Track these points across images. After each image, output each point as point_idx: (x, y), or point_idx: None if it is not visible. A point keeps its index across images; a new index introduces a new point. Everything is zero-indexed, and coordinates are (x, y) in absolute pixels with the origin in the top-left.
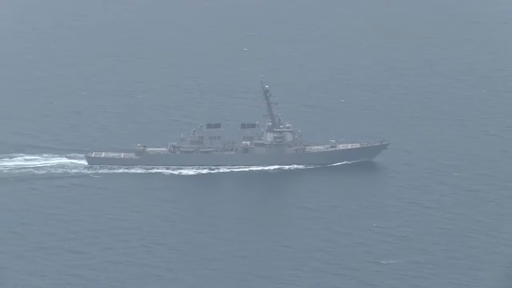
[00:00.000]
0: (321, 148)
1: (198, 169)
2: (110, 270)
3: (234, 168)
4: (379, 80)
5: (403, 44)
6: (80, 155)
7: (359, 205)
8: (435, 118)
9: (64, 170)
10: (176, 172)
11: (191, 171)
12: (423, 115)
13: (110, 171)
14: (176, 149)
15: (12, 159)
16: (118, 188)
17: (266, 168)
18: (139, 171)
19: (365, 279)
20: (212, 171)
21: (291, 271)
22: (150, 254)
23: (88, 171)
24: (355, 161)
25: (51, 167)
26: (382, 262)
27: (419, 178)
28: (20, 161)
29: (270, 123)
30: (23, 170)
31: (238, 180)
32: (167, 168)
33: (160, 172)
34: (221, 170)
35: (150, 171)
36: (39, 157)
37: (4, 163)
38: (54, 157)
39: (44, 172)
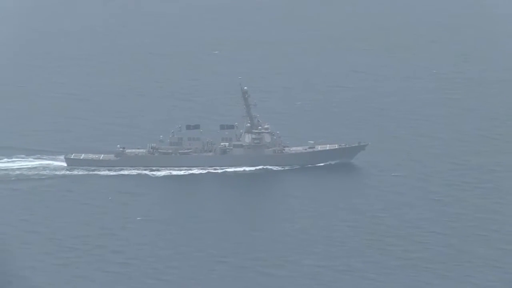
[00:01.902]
0: (299, 149)
1: (176, 170)
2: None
3: (213, 169)
4: (358, 82)
5: (378, 47)
6: (60, 156)
7: (335, 205)
8: (412, 119)
9: (43, 171)
10: (154, 173)
11: (168, 172)
12: (400, 116)
13: (89, 173)
14: (155, 150)
15: None
16: (96, 190)
17: (244, 169)
18: (119, 172)
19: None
20: (190, 172)
21: (268, 269)
22: (125, 255)
23: (67, 173)
24: (333, 162)
25: (30, 168)
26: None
27: (397, 179)
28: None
29: (248, 125)
30: (1, 172)
31: (216, 181)
32: (146, 170)
33: (139, 174)
34: (199, 172)
35: (129, 172)
36: (17, 159)
37: None
38: (33, 158)
39: (22, 173)
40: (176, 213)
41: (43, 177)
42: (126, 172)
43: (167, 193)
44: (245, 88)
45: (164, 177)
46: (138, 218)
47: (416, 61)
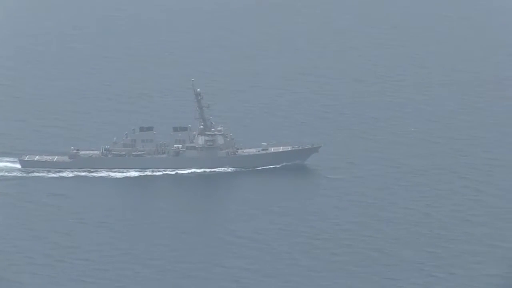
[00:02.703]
0: (253, 151)
1: (130, 172)
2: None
3: (166, 171)
4: (312, 84)
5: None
6: (13, 158)
7: (288, 207)
8: (365, 122)
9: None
10: (107, 175)
11: (122, 174)
12: (352, 118)
13: (43, 175)
14: (108, 152)
15: None
16: (49, 192)
17: (197, 171)
18: (71, 174)
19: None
20: (143, 174)
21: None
22: (52, 258)
23: (21, 174)
24: (286, 163)
25: None
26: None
27: (350, 180)
28: None
29: (202, 127)
30: None
31: (169, 183)
32: (99, 171)
33: (92, 176)
34: (152, 173)
35: (81, 174)
36: None
37: None
38: None
39: None
40: (115, 215)
41: None
42: (78, 174)
43: (111, 196)
44: (198, 90)
45: (115, 179)
46: (71, 220)
47: (364, 64)
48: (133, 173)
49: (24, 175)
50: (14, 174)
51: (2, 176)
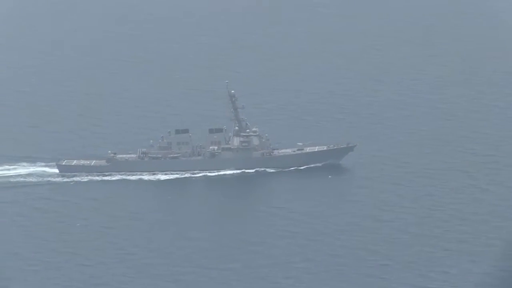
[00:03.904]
0: (288, 151)
1: (166, 174)
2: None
3: (202, 173)
4: (346, 84)
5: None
6: (51, 163)
7: (324, 206)
8: (401, 121)
9: (35, 178)
10: (145, 178)
11: (160, 177)
12: (390, 118)
13: (81, 179)
14: (145, 155)
15: None
16: (89, 196)
17: (233, 172)
18: (110, 178)
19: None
20: (180, 176)
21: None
22: (124, 263)
23: (59, 179)
24: (321, 163)
25: (22, 175)
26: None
27: (385, 180)
28: None
29: (237, 128)
30: None
31: (205, 185)
32: (136, 174)
33: (129, 179)
34: (189, 175)
35: (120, 177)
36: (10, 166)
37: None
38: (24, 165)
39: (15, 180)
40: (151, 217)
41: (34, 184)
42: (116, 178)
43: (147, 198)
44: (232, 91)
45: (151, 181)
46: (78, 225)
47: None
48: (170, 176)
49: (62, 179)
50: (52, 179)
51: (40, 181)
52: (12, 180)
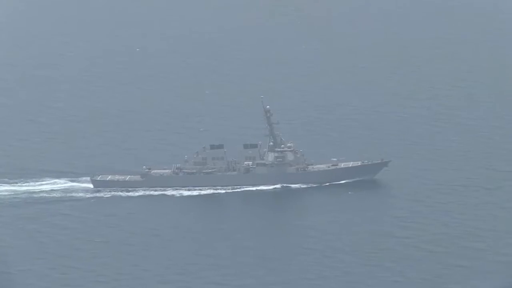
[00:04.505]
0: (322, 166)
1: (202, 190)
2: None
3: (237, 188)
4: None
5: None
6: (86, 178)
7: (360, 223)
8: (435, 136)
9: (70, 194)
10: (179, 194)
11: (194, 192)
12: (422, 133)
13: (116, 194)
14: (180, 170)
15: (17, 183)
16: (125, 212)
17: (268, 187)
18: (144, 193)
19: None
20: (215, 192)
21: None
22: (165, 277)
23: (94, 194)
24: (356, 179)
25: (57, 191)
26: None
27: (420, 195)
28: (25, 185)
29: (271, 143)
30: (30, 195)
31: (240, 201)
32: (170, 190)
33: (164, 194)
34: (223, 191)
35: (153, 193)
36: (45, 181)
37: (10, 187)
38: (60, 181)
39: (50, 195)
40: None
41: (73, 199)
42: (150, 193)
43: (182, 214)
44: (268, 107)
45: (186, 197)
46: (97, 240)
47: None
48: (205, 191)
49: (97, 195)
50: (87, 194)
51: (75, 196)
52: (45, 195)
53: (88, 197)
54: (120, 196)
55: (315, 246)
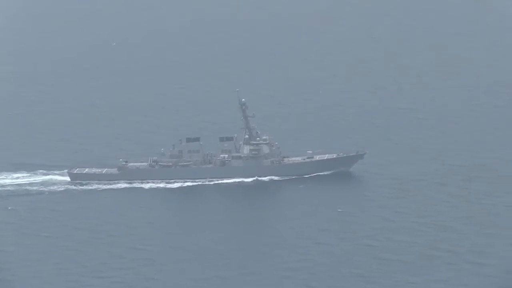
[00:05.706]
0: (298, 159)
1: (177, 182)
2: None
3: (212, 181)
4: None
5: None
6: (63, 171)
7: (334, 215)
8: (410, 127)
9: (46, 187)
10: (155, 186)
11: (170, 185)
12: (397, 124)
13: (92, 187)
14: (156, 163)
15: None
16: (101, 204)
17: (243, 180)
18: (122, 186)
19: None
20: (190, 184)
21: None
22: (140, 274)
23: (71, 187)
24: (331, 171)
25: (33, 184)
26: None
27: (396, 187)
28: (1, 179)
29: (247, 136)
30: (5, 188)
31: (216, 193)
32: (147, 183)
33: (141, 187)
34: (199, 183)
35: (131, 185)
36: (21, 174)
37: None
38: (35, 174)
39: (26, 189)
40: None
41: (49, 192)
42: (127, 186)
43: (158, 206)
44: (243, 100)
45: (162, 189)
46: (43, 235)
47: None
48: (180, 184)
49: (74, 187)
50: (64, 186)
51: (51, 189)
52: (26, 188)
53: (61, 190)
54: (96, 190)
55: (290, 238)
